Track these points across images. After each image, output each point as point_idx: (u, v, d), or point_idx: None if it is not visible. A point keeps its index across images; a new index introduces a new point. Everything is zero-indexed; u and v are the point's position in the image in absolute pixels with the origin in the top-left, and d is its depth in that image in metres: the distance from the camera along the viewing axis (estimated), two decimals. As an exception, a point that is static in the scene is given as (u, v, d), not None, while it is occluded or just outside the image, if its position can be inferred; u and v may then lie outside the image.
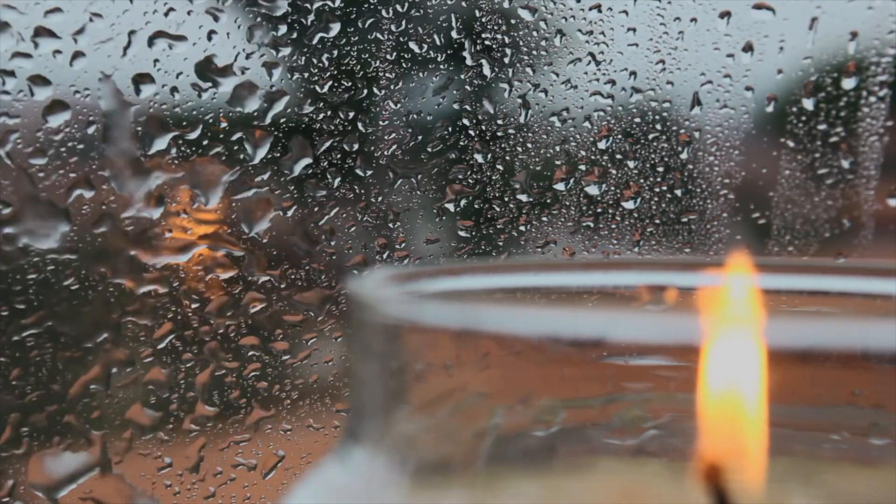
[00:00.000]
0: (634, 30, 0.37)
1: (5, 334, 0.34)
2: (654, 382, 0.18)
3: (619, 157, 0.38)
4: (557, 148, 0.38)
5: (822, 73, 0.38)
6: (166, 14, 0.34)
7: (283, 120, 0.37)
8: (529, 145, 0.38)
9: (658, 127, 0.38)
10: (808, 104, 0.38)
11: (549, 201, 0.38)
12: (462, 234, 0.38)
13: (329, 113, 0.37)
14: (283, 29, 0.37)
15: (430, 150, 0.38)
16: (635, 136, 0.38)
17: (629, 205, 0.38)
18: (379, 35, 0.37)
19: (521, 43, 0.38)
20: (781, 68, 0.37)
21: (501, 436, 0.19)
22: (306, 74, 0.37)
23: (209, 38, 0.35)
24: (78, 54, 0.34)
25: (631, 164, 0.38)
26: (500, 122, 0.38)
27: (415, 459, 0.18)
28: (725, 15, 0.37)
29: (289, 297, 0.38)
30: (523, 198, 0.38)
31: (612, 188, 0.38)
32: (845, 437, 0.20)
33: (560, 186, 0.38)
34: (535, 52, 0.38)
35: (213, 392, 0.37)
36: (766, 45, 0.37)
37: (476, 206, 0.38)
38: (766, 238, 0.39)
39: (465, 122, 0.38)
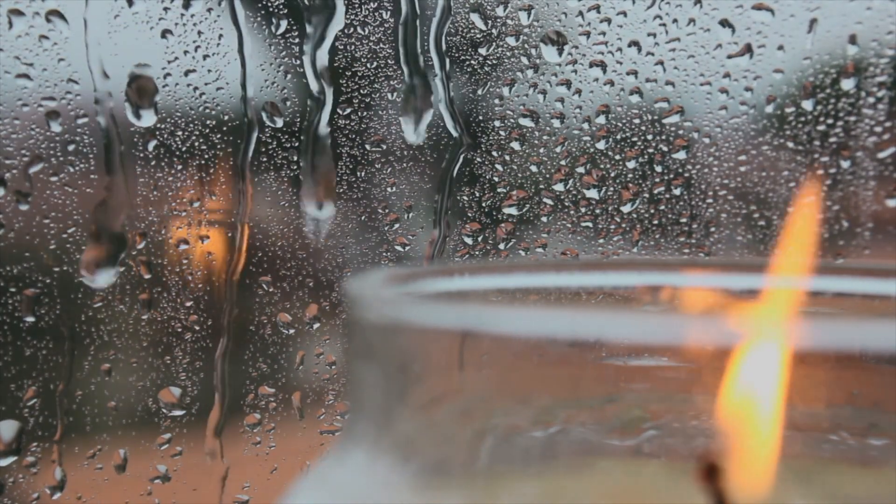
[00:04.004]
0: (634, 31, 0.37)
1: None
2: (653, 383, 0.18)
3: (618, 157, 0.38)
4: (558, 149, 0.38)
5: (821, 73, 0.38)
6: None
7: (283, 120, 0.37)
8: (529, 146, 0.38)
9: (657, 128, 0.38)
10: (808, 105, 0.38)
11: (548, 202, 0.38)
12: (467, 239, 0.38)
13: (329, 112, 0.37)
14: (283, 27, 0.37)
15: (430, 150, 0.38)
16: (634, 137, 0.38)
17: (627, 206, 0.38)
18: (381, 36, 0.37)
19: (519, 45, 0.38)
20: (781, 69, 0.37)
21: (501, 436, 0.19)
22: (303, 70, 0.37)
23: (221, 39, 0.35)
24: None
25: (630, 164, 0.38)
26: (497, 123, 0.38)
27: (414, 460, 0.18)
28: (725, 23, 0.37)
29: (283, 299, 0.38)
30: (523, 199, 0.38)
31: (612, 189, 0.38)
32: (844, 438, 0.20)
33: (559, 187, 0.38)
34: (533, 54, 0.38)
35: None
36: (765, 45, 0.37)
37: (479, 208, 0.38)
38: (766, 238, 0.39)
39: (464, 122, 0.38)
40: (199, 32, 0.35)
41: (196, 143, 0.36)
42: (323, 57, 0.37)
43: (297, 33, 0.37)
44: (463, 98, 0.38)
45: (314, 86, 0.37)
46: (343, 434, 0.36)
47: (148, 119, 0.34)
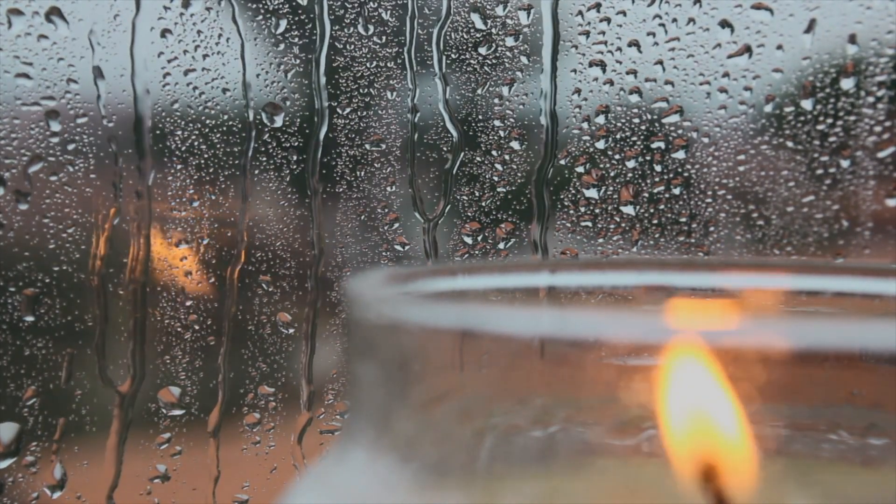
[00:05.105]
0: (634, 31, 0.37)
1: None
2: (653, 383, 0.18)
3: (617, 157, 0.38)
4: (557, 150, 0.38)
5: (820, 73, 0.38)
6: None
7: (284, 121, 0.37)
8: (527, 146, 0.38)
9: (656, 127, 0.38)
10: (807, 104, 0.38)
11: (548, 202, 0.38)
12: (466, 238, 0.38)
13: (329, 113, 0.37)
14: (283, 26, 0.37)
15: (429, 151, 0.38)
16: (634, 137, 0.38)
17: (627, 206, 0.38)
18: (377, 38, 0.37)
19: (518, 45, 0.38)
20: (780, 68, 0.37)
21: (501, 436, 0.19)
22: (303, 71, 0.37)
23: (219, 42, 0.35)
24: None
25: (630, 164, 0.38)
26: (497, 123, 0.38)
27: (414, 460, 0.18)
28: (724, 22, 0.37)
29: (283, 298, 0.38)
30: (524, 198, 0.38)
31: (611, 189, 0.38)
32: (844, 438, 0.20)
33: (559, 187, 0.38)
34: (531, 55, 0.38)
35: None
36: (764, 45, 0.37)
37: (478, 208, 0.38)
38: (765, 238, 0.39)
39: (463, 123, 0.38)
40: (199, 32, 0.35)
41: (196, 143, 0.36)
42: (324, 60, 0.37)
43: (297, 33, 0.37)
44: (462, 97, 0.38)
45: (318, 90, 0.37)
46: (343, 434, 0.36)
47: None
